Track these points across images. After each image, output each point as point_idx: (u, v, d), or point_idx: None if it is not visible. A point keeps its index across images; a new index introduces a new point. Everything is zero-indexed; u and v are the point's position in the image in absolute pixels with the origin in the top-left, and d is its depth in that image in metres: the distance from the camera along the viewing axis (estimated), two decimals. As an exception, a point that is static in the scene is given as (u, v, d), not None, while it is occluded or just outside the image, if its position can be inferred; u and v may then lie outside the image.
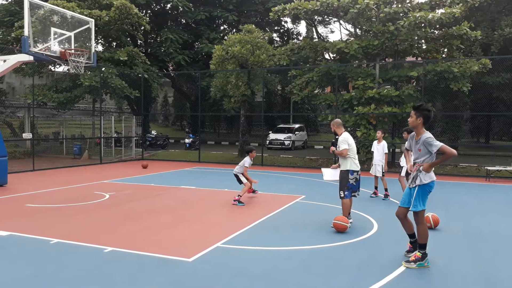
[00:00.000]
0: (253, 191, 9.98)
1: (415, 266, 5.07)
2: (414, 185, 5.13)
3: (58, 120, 27.04)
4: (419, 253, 5.15)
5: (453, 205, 9.40)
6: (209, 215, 7.99)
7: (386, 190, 10.00)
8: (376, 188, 10.33)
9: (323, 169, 7.83)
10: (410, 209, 5.19)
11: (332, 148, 7.39)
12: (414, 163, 5.20)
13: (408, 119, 5.24)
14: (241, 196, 9.07)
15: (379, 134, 10.24)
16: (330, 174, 7.60)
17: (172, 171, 15.78)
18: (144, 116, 25.59)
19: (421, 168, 5.04)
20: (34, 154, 16.37)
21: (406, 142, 5.51)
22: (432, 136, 5.02)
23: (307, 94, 18.72)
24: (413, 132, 5.27)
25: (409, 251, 5.45)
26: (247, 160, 9.36)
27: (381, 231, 6.89)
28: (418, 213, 5.13)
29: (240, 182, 9.51)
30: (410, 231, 5.38)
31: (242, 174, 9.39)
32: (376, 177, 10.24)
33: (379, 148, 10.05)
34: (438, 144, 4.91)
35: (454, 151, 4.90)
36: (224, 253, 5.59)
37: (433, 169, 5.10)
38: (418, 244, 5.19)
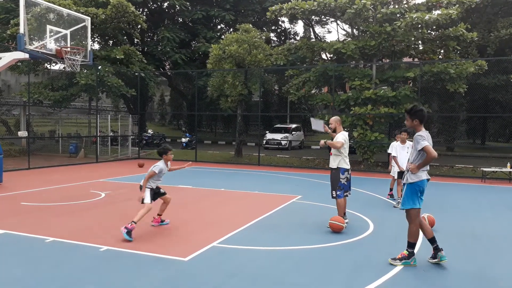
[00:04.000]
0: (162, 221, 7.07)
1: (400, 264, 5.16)
2: (404, 183, 5.25)
3: (54, 118, 26.90)
4: (406, 251, 5.22)
5: (448, 206, 9.43)
6: (205, 215, 7.98)
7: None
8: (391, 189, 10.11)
9: (312, 119, 7.67)
10: (399, 207, 5.25)
11: (322, 141, 7.12)
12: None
13: (405, 122, 5.33)
14: (135, 223, 6.12)
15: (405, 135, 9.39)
16: (317, 124, 7.45)
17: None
18: (141, 115, 25.52)
19: (409, 168, 5.16)
20: (30, 152, 16.29)
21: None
22: (424, 135, 5.07)
23: (304, 94, 18.73)
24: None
25: (432, 257, 5.34)
26: (158, 166, 6.51)
27: (377, 231, 6.90)
28: (409, 211, 5.18)
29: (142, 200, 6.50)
30: (428, 236, 5.28)
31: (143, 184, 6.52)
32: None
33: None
34: (424, 143, 4.97)
35: (435, 153, 4.93)
36: (220, 253, 5.58)
37: (427, 168, 5.17)
38: (407, 242, 5.24)
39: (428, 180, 5.22)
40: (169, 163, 6.84)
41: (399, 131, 9.37)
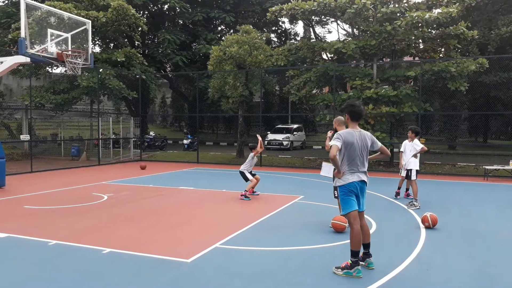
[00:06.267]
0: (253, 192, 10.08)
1: (341, 273, 4.79)
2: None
3: (55, 121, 26.97)
4: (350, 260, 4.84)
5: (451, 204, 9.42)
6: (208, 216, 7.99)
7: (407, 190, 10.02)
8: (399, 188, 10.17)
9: (323, 163, 7.68)
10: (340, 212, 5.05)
11: (327, 142, 7.01)
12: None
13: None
14: (247, 191, 9.68)
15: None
16: (327, 170, 7.48)
17: (170, 172, 15.77)
18: (142, 117, 25.57)
19: (334, 172, 4.99)
20: (32, 156, 16.34)
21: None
22: (342, 133, 4.90)
23: (305, 94, 18.73)
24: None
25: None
26: (250, 155, 9.99)
27: (380, 231, 6.89)
28: (347, 215, 4.95)
29: (246, 179, 9.87)
30: (364, 241, 5.01)
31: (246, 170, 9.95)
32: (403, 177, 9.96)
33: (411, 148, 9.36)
34: (332, 142, 4.89)
35: (332, 153, 4.72)
36: (222, 254, 5.58)
37: (363, 169, 4.93)
38: (350, 251, 4.87)
39: (361, 182, 4.93)
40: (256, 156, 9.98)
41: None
